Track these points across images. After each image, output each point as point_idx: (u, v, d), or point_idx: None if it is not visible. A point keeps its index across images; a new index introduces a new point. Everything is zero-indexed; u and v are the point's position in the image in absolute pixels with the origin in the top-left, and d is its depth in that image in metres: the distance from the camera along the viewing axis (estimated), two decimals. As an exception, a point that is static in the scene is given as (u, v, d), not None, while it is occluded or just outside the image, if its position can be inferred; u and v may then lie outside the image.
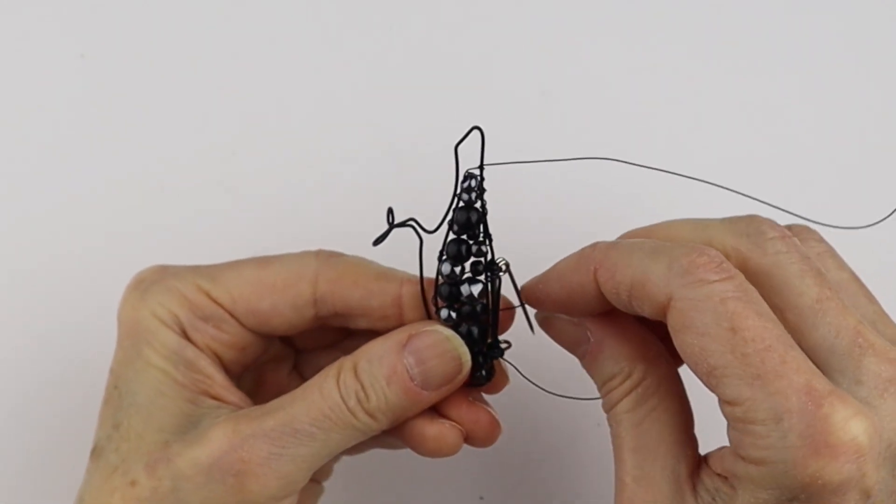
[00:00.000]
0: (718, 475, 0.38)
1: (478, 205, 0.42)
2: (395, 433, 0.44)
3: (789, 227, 0.41)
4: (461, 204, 0.42)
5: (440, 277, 0.42)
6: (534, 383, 0.45)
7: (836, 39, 0.60)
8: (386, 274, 0.45)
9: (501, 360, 0.44)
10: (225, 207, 0.56)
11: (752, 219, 0.40)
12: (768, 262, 0.39)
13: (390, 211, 0.42)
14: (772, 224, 0.40)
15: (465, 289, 0.42)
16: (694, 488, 0.39)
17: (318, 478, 0.49)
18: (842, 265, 0.42)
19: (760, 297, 0.37)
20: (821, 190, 0.59)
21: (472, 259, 0.42)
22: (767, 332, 0.36)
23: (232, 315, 0.45)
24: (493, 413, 0.44)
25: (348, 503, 0.50)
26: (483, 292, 0.43)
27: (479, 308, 0.43)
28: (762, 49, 0.60)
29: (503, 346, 0.44)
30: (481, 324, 0.43)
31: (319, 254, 0.46)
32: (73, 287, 0.55)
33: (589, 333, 0.42)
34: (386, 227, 0.41)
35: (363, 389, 0.42)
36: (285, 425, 0.42)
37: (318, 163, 0.57)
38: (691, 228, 0.41)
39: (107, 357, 0.45)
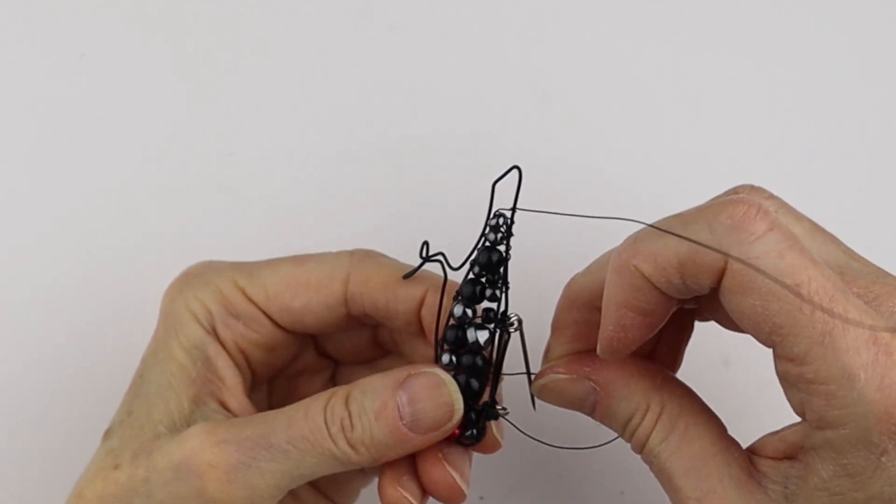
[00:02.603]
0: (781, 459, 0.38)
1: (502, 247, 0.41)
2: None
3: (735, 191, 0.40)
4: (486, 243, 0.41)
5: (451, 319, 0.42)
6: (539, 440, 0.44)
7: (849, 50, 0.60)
8: (414, 278, 0.44)
9: (497, 423, 0.43)
10: (224, 207, 0.56)
11: None
12: None
13: (425, 244, 0.41)
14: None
15: (470, 334, 0.42)
16: (759, 484, 0.38)
17: (340, 502, 0.48)
18: (800, 217, 0.41)
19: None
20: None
21: (485, 304, 0.42)
22: (827, 281, 0.35)
23: (265, 313, 0.45)
24: (457, 481, 0.43)
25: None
26: (488, 342, 0.42)
27: (479, 360, 0.42)
28: (769, 49, 0.60)
29: (500, 410, 0.43)
30: (481, 377, 0.42)
31: (354, 253, 0.46)
32: (67, 286, 0.55)
33: (592, 384, 0.41)
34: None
35: (349, 418, 0.41)
36: (261, 437, 0.41)
37: (317, 163, 0.57)
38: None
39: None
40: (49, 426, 0.54)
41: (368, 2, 0.58)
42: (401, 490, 0.42)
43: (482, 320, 0.42)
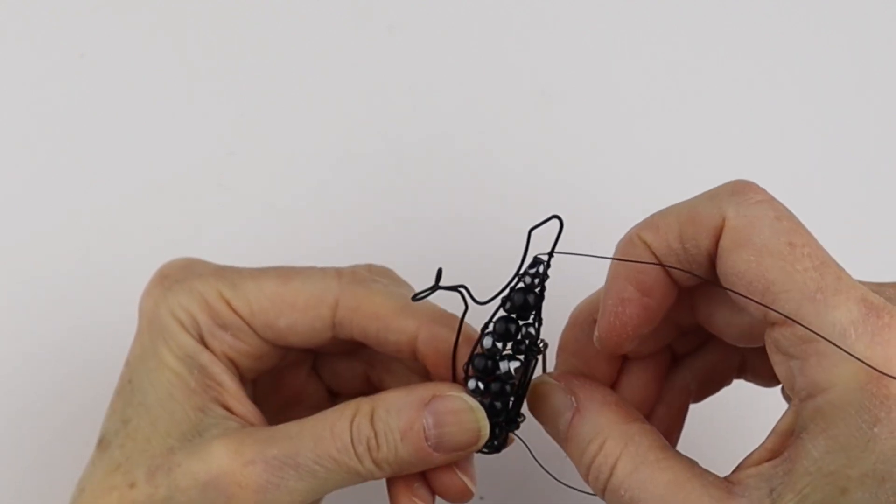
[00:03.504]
0: (764, 463, 0.37)
1: (537, 290, 0.41)
2: None
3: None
4: (521, 285, 0.41)
5: (479, 347, 0.42)
6: (546, 469, 0.44)
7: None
8: (406, 310, 0.44)
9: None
10: (224, 207, 0.56)
11: None
12: None
13: (440, 272, 0.40)
14: None
15: (503, 365, 0.41)
16: (742, 496, 0.37)
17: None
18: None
19: None
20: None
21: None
22: (821, 250, 0.37)
23: (250, 326, 0.45)
24: (468, 484, 0.43)
25: (347, 502, 0.50)
26: (519, 370, 0.42)
27: (507, 388, 0.42)
28: (770, 49, 0.60)
29: (519, 419, 0.43)
30: (506, 399, 0.42)
31: (343, 276, 0.45)
32: (68, 286, 0.55)
33: (573, 399, 0.41)
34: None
35: (375, 438, 0.41)
36: (288, 457, 0.41)
37: (317, 163, 0.57)
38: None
39: (110, 356, 0.45)
40: (48, 426, 0.54)
41: (368, 2, 0.58)
42: (415, 499, 0.43)
43: (513, 351, 0.42)
